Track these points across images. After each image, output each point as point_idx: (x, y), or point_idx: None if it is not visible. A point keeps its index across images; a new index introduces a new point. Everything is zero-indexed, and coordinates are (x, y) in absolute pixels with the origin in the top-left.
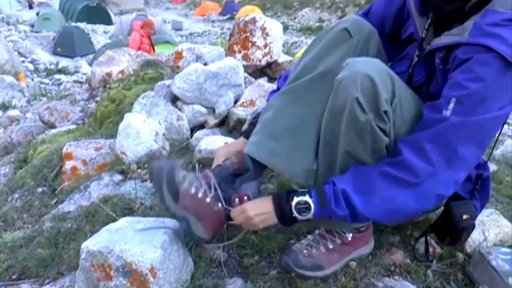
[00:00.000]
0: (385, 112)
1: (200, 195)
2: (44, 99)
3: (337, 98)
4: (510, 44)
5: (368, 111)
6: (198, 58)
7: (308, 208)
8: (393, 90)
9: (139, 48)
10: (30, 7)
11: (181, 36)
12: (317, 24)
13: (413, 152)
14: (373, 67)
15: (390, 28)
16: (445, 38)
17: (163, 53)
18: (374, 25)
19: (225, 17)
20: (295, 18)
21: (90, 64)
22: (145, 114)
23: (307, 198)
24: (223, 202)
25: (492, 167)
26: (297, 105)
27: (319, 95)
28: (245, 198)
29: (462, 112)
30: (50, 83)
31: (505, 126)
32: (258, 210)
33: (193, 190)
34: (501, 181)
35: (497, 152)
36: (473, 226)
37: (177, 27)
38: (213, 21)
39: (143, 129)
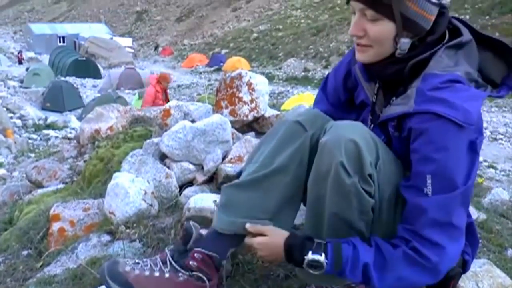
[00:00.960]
0: (370, 175)
1: (156, 274)
2: (32, 155)
3: (321, 161)
4: (454, 106)
5: (353, 174)
6: (186, 115)
7: (320, 266)
8: (377, 152)
9: (153, 103)
10: (20, 62)
11: (169, 88)
12: (303, 73)
13: (420, 241)
14: (356, 131)
15: (344, 97)
16: (393, 109)
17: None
18: (330, 99)
19: (212, 68)
20: (280, 68)
21: (79, 118)
22: (133, 172)
23: (322, 258)
24: (183, 271)
25: (482, 216)
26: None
27: (275, 190)
28: (196, 255)
29: (441, 188)
30: (39, 138)
31: (492, 170)
32: (267, 252)
33: (147, 273)
34: (491, 229)
35: (485, 201)
36: (460, 274)
37: None
38: (200, 73)
39: (131, 189)
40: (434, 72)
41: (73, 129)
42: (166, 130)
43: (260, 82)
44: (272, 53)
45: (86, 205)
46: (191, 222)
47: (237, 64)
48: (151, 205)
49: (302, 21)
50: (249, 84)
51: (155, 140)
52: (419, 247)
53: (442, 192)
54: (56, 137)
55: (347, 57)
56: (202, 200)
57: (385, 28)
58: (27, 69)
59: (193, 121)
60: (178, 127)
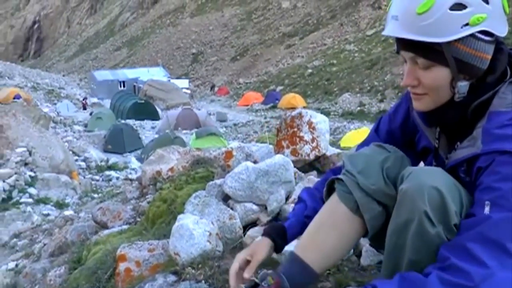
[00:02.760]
0: (455, 224)
1: None
2: (95, 195)
3: (403, 210)
4: None
5: (437, 224)
6: (247, 156)
7: None
8: (460, 200)
9: None
10: (84, 108)
11: (226, 127)
12: (358, 108)
13: (461, 256)
14: (438, 177)
15: (401, 140)
16: (460, 153)
17: (210, 148)
18: (382, 140)
19: (267, 106)
20: (336, 103)
21: (139, 159)
22: (197, 214)
23: None
24: None
25: None
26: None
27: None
28: None
29: (499, 209)
30: (101, 179)
31: None
32: None
33: None
34: None
35: None
36: None
37: (222, 119)
38: (256, 111)
39: (196, 230)
40: (499, 110)
41: (133, 169)
42: (228, 172)
43: (321, 121)
44: (327, 89)
45: (151, 246)
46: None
47: (292, 101)
48: (216, 246)
49: (356, 55)
50: (309, 123)
51: (218, 181)
52: (458, 262)
53: (501, 211)
54: (117, 177)
55: (403, 102)
56: None
57: (439, 75)
58: (90, 114)
59: (255, 162)
60: (241, 168)
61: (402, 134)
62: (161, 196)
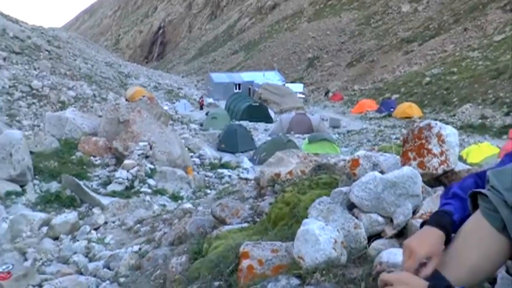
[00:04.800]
0: None
1: None
2: (208, 191)
3: None
4: None
5: None
6: (374, 166)
7: None
8: None
9: None
10: (201, 108)
11: (339, 133)
12: (480, 121)
13: None
14: None
15: None
16: None
17: (328, 154)
18: None
19: (382, 114)
20: (454, 115)
21: (251, 159)
22: (321, 220)
23: None
24: None
25: None
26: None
27: None
28: None
29: None
30: (213, 176)
31: None
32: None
33: None
34: None
35: None
36: None
37: (335, 125)
38: (370, 118)
39: (322, 236)
40: None
41: (245, 169)
42: (354, 180)
43: (450, 133)
44: (445, 98)
45: (274, 247)
46: None
47: (408, 110)
48: (340, 254)
49: (480, 63)
50: (439, 135)
51: (344, 189)
52: None
53: None
54: (229, 176)
55: None
56: (396, 255)
57: None
58: (206, 114)
59: (381, 172)
60: (369, 178)
61: None
62: (284, 198)
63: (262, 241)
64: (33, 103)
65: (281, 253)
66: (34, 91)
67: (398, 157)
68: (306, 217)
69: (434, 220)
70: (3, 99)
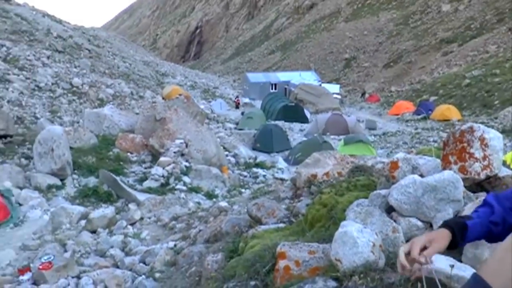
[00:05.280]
0: None
1: None
2: (242, 190)
3: None
4: None
5: None
6: (414, 169)
7: None
8: None
9: None
10: (237, 107)
11: (374, 135)
12: None
13: None
14: None
15: None
16: None
17: (365, 156)
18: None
19: (419, 116)
20: (496, 118)
21: (286, 159)
22: (359, 222)
23: None
24: None
25: None
26: None
27: None
28: None
29: None
30: (248, 175)
31: None
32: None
33: None
34: None
35: None
36: None
37: (371, 126)
38: (407, 120)
39: (360, 239)
40: None
41: (280, 169)
42: (393, 183)
43: (494, 137)
44: (486, 101)
45: (311, 248)
46: None
47: (446, 113)
48: (378, 258)
49: None
50: (481, 139)
51: (382, 192)
52: None
53: None
54: (264, 175)
55: None
56: (435, 261)
57: None
58: (242, 113)
59: (421, 175)
60: (408, 181)
61: None
62: (321, 200)
63: (299, 242)
64: (73, 100)
65: (318, 255)
66: (75, 89)
67: (438, 160)
68: (344, 219)
69: (446, 221)
70: (46, 96)
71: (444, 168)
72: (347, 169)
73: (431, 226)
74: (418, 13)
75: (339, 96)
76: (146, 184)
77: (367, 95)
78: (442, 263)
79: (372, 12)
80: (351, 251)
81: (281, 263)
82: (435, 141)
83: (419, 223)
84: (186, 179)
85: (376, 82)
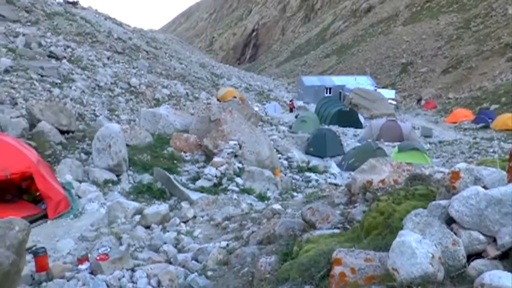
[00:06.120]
0: None
1: None
2: (294, 193)
3: None
4: None
5: None
6: (477, 180)
7: None
8: None
9: None
10: (291, 110)
11: (430, 143)
12: None
13: None
14: None
15: None
16: None
17: (421, 165)
18: None
19: (478, 126)
20: None
21: (339, 165)
22: (417, 232)
23: None
24: None
25: None
26: None
27: None
28: None
29: None
30: (300, 179)
31: None
32: None
33: None
34: None
35: None
36: None
37: (427, 134)
38: (465, 129)
39: (419, 250)
40: None
41: (333, 174)
42: (454, 194)
43: None
44: None
45: (368, 256)
46: None
47: (508, 122)
48: (437, 270)
49: None
50: None
51: (442, 202)
52: None
53: None
54: (317, 180)
55: None
56: (500, 278)
57: None
58: (296, 116)
59: (484, 187)
60: (470, 192)
61: None
62: (378, 207)
63: (354, 249)
64: (131, 99)
65: (374, 263)
66: (132, 88)
67: (503, 172)
68: (401, 228)
69: None
70: (105, 95)
71: (510, 181)
72: (403, 177)
73: (494, 240)
74: (481, 16)
75: (394, 102)
76: (199, 183)
77: (423, 102)
78: (505, 281)
79: (432, 15)
80: (409, 262)
81: (337, 269)
82: (494, 152)
83: (481, 237)
84: (238, 180)
85: (434, 88)
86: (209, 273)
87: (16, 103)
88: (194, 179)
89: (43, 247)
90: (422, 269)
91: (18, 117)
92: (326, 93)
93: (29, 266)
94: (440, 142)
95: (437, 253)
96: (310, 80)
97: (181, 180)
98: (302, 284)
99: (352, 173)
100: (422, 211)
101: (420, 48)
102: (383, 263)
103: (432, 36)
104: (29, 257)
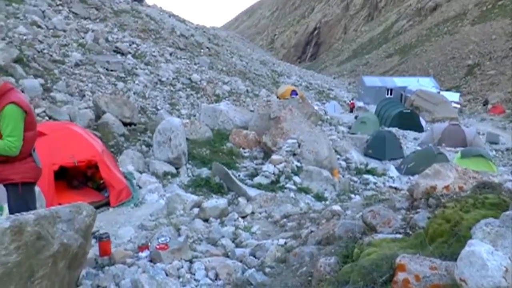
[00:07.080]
0: None
1: None
2: (352, 195)
3: None
4: None
5: None
6: None
7: None
8: None
9: None
10: (351, 111)
11: (496, 150)
12: None
13: None
14: None
15: None
16: None
17: (489, 173)
18: None
19: None
20: None
21: (398, 168)
22: (488, 243)
23: None
24: None
25: None
26: None
27: None
28: None
29: None
30: (358, 181)
31: None
32: None
33: None
34: None
35: None
36: None
37: (493, 140)
38: None
39: (490, 261)
40: None
41: (391, 178)
42: None
43: None
44: None
45: (433, 264)
46: None
47: None
48: (511, 285)
49: None
50: None
51: None
52: None
53: None
54: (375, 183)
55: None
56: None
57: None
58: (356, 117)
59: None
60: None
61: None
62: (444, 214)
63: (419, 255)
64: (191, 94)
65: (440, 272)
66: (193, 84)
67: None
68: (469, 238)
69: None
70: (166, 90)
71: None
72: (470, 184)
73: None
74: None
75: (458, 105)
76: (257, 180)
77: (489, 106)
78: None
79: (504, 13)
80: (479, 273)
81: (400, 275)
82: None
83: None
84: (296, 178)
85: (502, 92)
86: (267, 269)
87: (84, 95)
88: (252, 176)
89: (107, 233)
90: (493, 282)
91: (85, 108)
92: (387, 94)
93: (93, 250)
94: (507, 149)
95: (511, 266)
96: (371, 81)
97: (239, 175)
98: (364, 287)
99: (411, 177)
100: (494, 221)
101: (489, 49)
102: (449, 272)
103: (503, 36)
104: (92, 241)
